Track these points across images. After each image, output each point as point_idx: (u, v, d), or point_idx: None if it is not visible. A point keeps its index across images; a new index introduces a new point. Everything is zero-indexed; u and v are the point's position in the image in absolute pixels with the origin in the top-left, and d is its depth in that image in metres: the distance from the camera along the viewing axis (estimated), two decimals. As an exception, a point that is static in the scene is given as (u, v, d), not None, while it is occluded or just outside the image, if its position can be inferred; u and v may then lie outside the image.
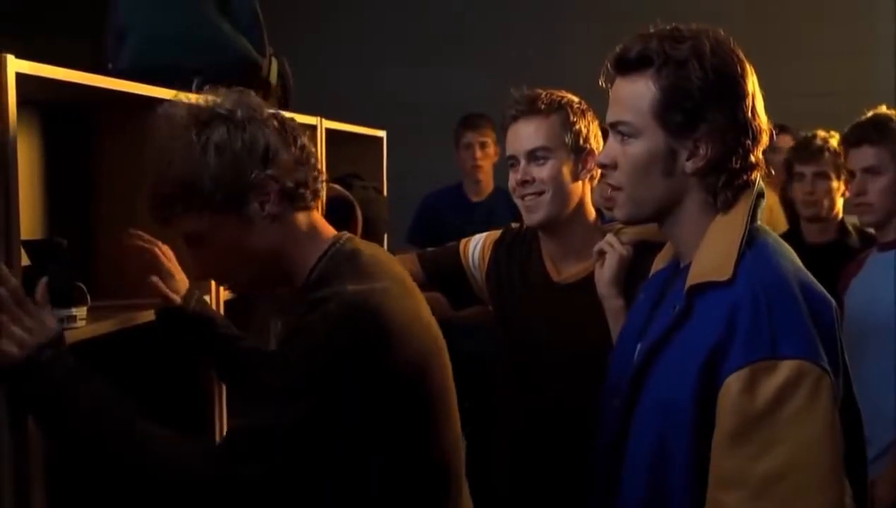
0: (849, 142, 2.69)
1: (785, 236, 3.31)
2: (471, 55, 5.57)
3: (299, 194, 1.59)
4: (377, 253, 1.67)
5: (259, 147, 1.53)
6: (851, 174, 2.71)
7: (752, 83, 1.47)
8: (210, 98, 1.57)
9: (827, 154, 3.08)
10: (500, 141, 3.17)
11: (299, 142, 1.60)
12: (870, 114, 2.72)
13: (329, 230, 1.65)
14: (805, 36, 5.39)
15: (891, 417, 2.53)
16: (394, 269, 1.65)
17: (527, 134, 2.06)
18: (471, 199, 4.38)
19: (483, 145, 4.31)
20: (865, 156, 2.63)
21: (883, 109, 2.72)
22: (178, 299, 1.85)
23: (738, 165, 1.46)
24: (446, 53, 5.61)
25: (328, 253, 1.60)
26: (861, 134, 2.65)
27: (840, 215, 3.15)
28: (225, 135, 1.51)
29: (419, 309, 1.62)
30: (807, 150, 3.17)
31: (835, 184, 3.09)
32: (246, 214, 1.55)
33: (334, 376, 1.47)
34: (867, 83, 4.94)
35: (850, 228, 3.12)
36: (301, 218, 1.61)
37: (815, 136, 3.18)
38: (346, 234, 1.66)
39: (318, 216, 1.65)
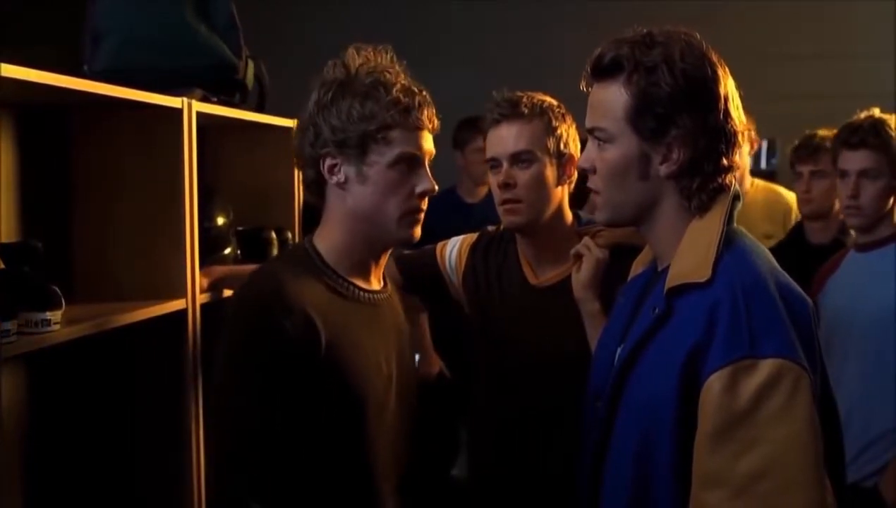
0: (848, 143, 2.65)
1: (789, 237, 3.33)
2: (463, 57, 5.57)
3: None
4: None
5: None
6: (841, 174, 2.68)
7: (726, 86, 1.48)
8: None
9: (826, 153, 3.00)
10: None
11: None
12: (863, 115, 2.69)
13: None
14: (804, 37, 5.43)
15: (866, 417, 2.54)
16: None
17: (511, 137, 2.06)
18: (467, 201, 4.39)
19: None
20: (863, 159, 2.62)
21: (876, 112, 2.69)
22: None
23: (711, 169, 1.48)
24: (437, 55, 5.60)
25: None
26: (861, 136, 2.62)
27: (841, 215, 3.04)
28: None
29: None
30: (805, 149, 3.17)
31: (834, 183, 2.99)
32: None
33: None
34: (866, 85, 4.97)
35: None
36: None
37: (814, 135, 3.17)
38: None
39: None
